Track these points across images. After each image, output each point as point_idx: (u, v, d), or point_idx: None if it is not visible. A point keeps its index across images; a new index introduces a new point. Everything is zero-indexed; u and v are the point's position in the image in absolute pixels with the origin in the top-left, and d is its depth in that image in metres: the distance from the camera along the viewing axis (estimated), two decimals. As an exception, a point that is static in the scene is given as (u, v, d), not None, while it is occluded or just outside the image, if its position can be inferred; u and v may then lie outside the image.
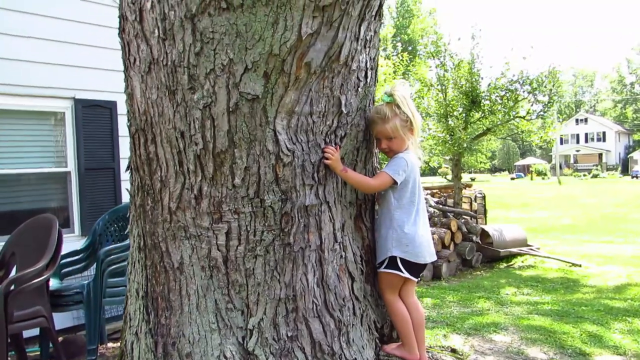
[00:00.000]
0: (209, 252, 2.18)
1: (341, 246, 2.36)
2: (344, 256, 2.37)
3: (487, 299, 5.99)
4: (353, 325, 2.35)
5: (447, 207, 9.44)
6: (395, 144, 2.45)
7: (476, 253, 8.77)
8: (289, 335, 2.18)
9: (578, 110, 75.75)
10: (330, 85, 2.18)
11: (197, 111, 2.06)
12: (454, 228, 8.52)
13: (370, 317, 2.48)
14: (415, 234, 2.43)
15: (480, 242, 8.96)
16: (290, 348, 2.17)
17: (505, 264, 8.96)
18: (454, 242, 8.52)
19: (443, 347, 3.81)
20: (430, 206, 9.23)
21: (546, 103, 10.10)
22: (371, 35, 2.31)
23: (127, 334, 2.50)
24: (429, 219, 8.67)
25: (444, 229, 8.42)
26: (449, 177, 10.96)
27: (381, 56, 14.28)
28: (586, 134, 64.46)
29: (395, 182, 2.38)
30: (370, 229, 2.56)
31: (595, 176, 46.35)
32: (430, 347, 3.79)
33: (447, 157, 11.27)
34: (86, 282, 4.08)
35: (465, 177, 47.50)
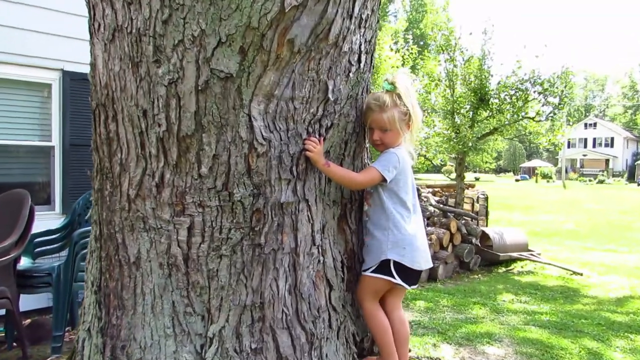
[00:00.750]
0: (169, 247, 1.93)
1: (320, 250, 2.10)
2: (322, 261, 2.11)
3: (482, 306, 5.75)
4: (327, 338, 2.10)
5: (447, 207, 9.16)
6: (389, 137, 2.20)
7: (475, 256, 8.51)
8: (252, 347, 1.94)
9: (587, 114, 74.94)
10: (317, 68, 1.92)
11: (162, 88, 1.80)
12: (453, 229, 8.25)
13: (348, 329, 2.24)
14: (414, 236, 2.19)
15: (479, 244, 8.69)
16: (254, 362, 1.93)
17: (504, 269, 8.70)
18: (452, 244, 8.26)
19: (431, 358, 3.58)
20: (431, 205, 8.96)
21: (557, 105, 9.76)
22: (367, 14, 2.04)
23: (80, 329, 2.26)
24: (428, 218, 8.43)
25: (443, 230, 8.15)
26: (452, 176, 10.66)
27: (391, 49, 13.98)
28: (594, 139, 63.77)
29: (384, 179, 2.13)
30: (355, 232, 2.30)
31: (601, 182, 45.88)
32: (418, 357, 3.56)
33: (452, 156, 10.97)
34: (57, 264, 3.85)
35: (470, 177, 47.16)
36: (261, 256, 1.95)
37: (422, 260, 2.22)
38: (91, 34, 2.03)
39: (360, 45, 2.06)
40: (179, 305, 1.95)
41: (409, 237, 2.17)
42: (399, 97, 2.18)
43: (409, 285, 2.23)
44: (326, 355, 2.09)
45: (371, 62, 2.24)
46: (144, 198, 1.94)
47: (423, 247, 2.23)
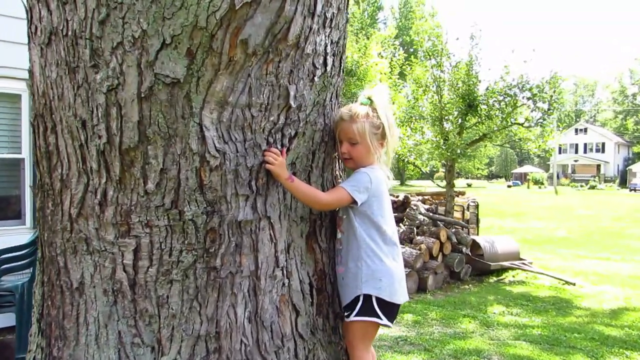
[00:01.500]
0: (113, 272, 1.73)
1: (284, 272, 1.91)
2: (287, 284, 1.92)
3: (472, 319, 5.57)
4: (293, 370, 1.91)
5: (437, 216, 9.00)
6: (358, 151, 2.02)
7: (465, 265, 8.34)
8: (207, 383, 1.74)
9: (578, 119, 75.33)
10: (276, 72, 1.74)
11: (101, 95, 1.62)
12: (443, 238, 8.08)
13: (318, 357, 2.04)
14: (391, 267, 2.00)
15: (470, 253, 8.53)
16: (209, 399, 1.73)
17: (495, 278, 8.53)
18: (442, 253, 8.09)
19: (416, 379, 3.39)
20: (420, 213, 8.79)
21: (546, 110, 9.64)
22: (333, 13, 1.87)
23: (27, 358, 2.06)
24: (417, 227, 8.25)
25: (432, 239, 7.98)
26: (443, 183, 10.50)
27: (381, 56, 13.86)
28: (585, 144, 64.06)
29: (354, 202, 1.95)
30: (326, 250, 2.11)
31: (592, 187, 45.99)
32: (401, 378, 3.37)
33: (442, 162, 10.82)
34: (21, 282, 3.64)
35: (462, 183, 47.16)
36: (217, 280, 1.76)
37: (401, 293, 2.03)
38: (29, 39, 1.85)
39: (326, 46, 1.89)
40: (126, 335, 1.75)
41: (385, 268, 1.98)
42: (374, 110, 2.03)
43: (390, 321, 2.02)
44: (292, 389, 1.89)
45: (340, 66, 2.06)
46: (87, 217, 1.75)
47: (401, 279, 2.05)
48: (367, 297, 1.97)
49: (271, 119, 1.78)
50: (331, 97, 2.04)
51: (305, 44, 1.77)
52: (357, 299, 1.99)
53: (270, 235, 1.86)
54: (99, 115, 1.63)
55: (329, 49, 1.90)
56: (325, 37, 1.87)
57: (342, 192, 1.95)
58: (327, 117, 2.02)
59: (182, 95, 1.62)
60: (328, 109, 2.03)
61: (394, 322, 2.12)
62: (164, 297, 1.73)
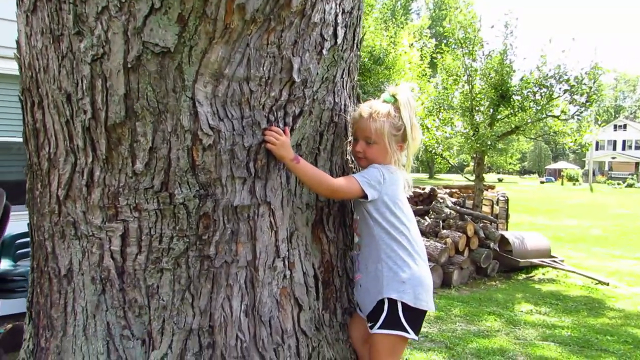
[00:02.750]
0: (101, 259, 1.61)
1: (286, 263, 1.76)
2: (288, 276, 1.77)
3: (498, 317, 5.32)
4: (294, 369, 1.76)
5: (464, 209, 8.70)
6: (373, 152, 1.84)
7: (493, 261, 8.03)
8: (199, 380, 1.61)
9: (617, 115, 72.71)
10: (278, 42, 1.57)
11: (86, 66, 1.48)
12: (470, 232, 7.79)
13: (324, 356, 1.88)
14: (414, 269, 1.80)
15: (498, 249, 8.20)
16: (200, 398, 1.60)
17: (524, 276, 8.19)
18: (468, 248, 7.80)
19: (434, 379, 3.20)
20: (447, 207, 8.52)
21: (584, 103, 9.18)
22: (344, -21, 1.69)
23: (22, 349, 1.97)
24: (444, 220, 8.00)
25: (459, 233, 7.70)
26: (472, 177, 10.19)
27: (412, 46, 13.52)
28: (624, 141, 61.79)
29: (365, 196, 1.76)
30: (334, 241, 1.95)
31: (630, 185, 44.29)
32: (419, 378, 3.19)
33: (471, 155, 10.48)
34: (34, 268, 3.59)
35: (493, 178, 46.15)
36: (210, 270, 1.62)
37: (426, 299, 1.80)
38: (17, 7, 1.73)
39: (337, 16, 1.71)
40: (115, 327, 1.63)
41: (409, 270, 1.78)
42: (397, 110, 1.84)
43: (416, 334, 1.81)
44: (292, 389, 1.74)
45: (354, 39, 1.88)
46: (75, 200, 1.63)
47: (427, 284, 1.83)
48: (392, 304, 1.76)
49: (272, 94, 1.62)
50: (342, 74, 1.86)
51: (312, 11, 1.60)
52: (381, 305, 1.78)
53: (271, 222, 1.70)
54: (84, 88, 1.50)
55: (339, 19, 1.72)
56: (336, 5, 1.69)
57: (352, 181, 1.76)
58: (337, 95, 1.85)
59: (173, 67, 1.48)
60: (339, 87, 1.86)
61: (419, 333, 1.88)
62: (154, 287, 1.60)
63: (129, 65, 1.45)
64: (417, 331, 1.81)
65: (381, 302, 1.78)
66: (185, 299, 1.61)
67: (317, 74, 1.71)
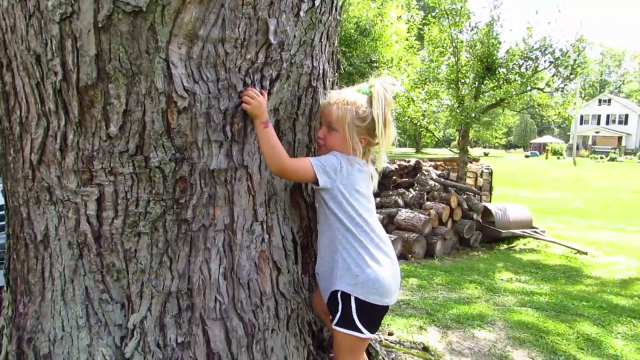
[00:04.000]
0: (77, 224, 1.60)
1: (264, 227, 1.77)
2: (267, 240, 1.78)
3: (478, 285, 5.43)
4: (273, 330, 1.79)
5: (448, 182, 8.79)
6: (332, 140, 1.77)
7: (475, 232, 8.17)
8: (178, 341, 1.63)
9: (602, 90, 73.18)
10: (254, 3, 1.55)
11: (55, 26, 1.45)
12: (453, 204, 7.90)
13: (303, 318, 1.92)
14: (370, 263, 1.69)
15: (481, 220, 8.34)
16: (179, 358, 1.62)
17: (506, 246, 8.36)
18: (452, 219, 7.92)
19: (414, 343, 3.27)
20: (431, 179, 8.59)
21: (568, 76, 9.21)
22: (321, -62, 1.66)
23: (1, 316, 1.97)
24: (428, 192, 8.07)
25: (442, 204, 7.80)
26: (456, 150, 10.23)
27: (400, 19, 13.38)
28: (607, 116, 62.31)
29: (315, 181, 1.69)
30: (313, 206, 1.96)
31: (612, 159, 44.94)
32: (399, 342, 3.26)
33: (456, 128, 10.52)
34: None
35: (479, 152, 46.42)
36: (188, 234, 1.62)
37: (382, 293, 1.69)
38: (-15, -36, 1.67)
39: (314, -22, 1.68)
40: (94, 291, 1.64)
41: (363, 263, 1.68)
42: (369, 102, 1.74)
43: (372, 333, 1.72)
44: (272, 349, 1.78)
45: (332, 2, 1.85)
46: (49, 164, 1.61)
47: (383, 277, 1.69)
48: (346, 298, 1.68)
49: (248, 57, 1.60)
50: (321, 38, 1.84)
51: (287, -29, 1.57)
52: (334, 298, 1.72)
53: (248, 186, 1.70)
54: (54, 48, 1.46)
55: (316, -19, 1.70)
56: (312, -34, 1.66)
57: (306, 164, 1.68)
58: (315, 60, 1.83)
59: (145, 27, 1.44)
60: (317, 51, 1.84)
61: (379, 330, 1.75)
62: (132, 251, 1.60)
63: (100, 25, 1.42)
64: (374, 328, 1.74)
65: (335, 293, 1.72)
66: (164, 262, 1.61)
67: (295, 36, 1.69)
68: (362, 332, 1.68)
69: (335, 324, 1.71)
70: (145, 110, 1.51)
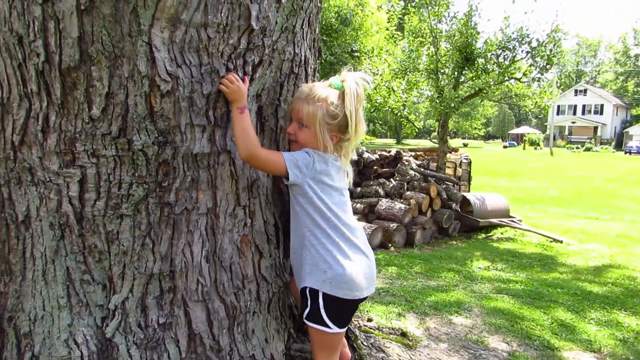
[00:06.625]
0: (59, 205, 1.61)
1: (246, 211, 1.80)
2: (249, 224, 1.81)
3: (456, 273, 5.55)
4: (255, 312, 1.82)
5: (428, 171, 8.90)
6: (303, 136, 1.75)
7: (454, 221, 8.32)
8: (160, 321, 1.66)
9: (579, 80, 74.38)
10: (236, -12, 1.56)
11: (37, 7, 1.44)
12: (433, 193, 8.01)
13: (284, 301, 1.96)
14: (340, 259, 1.69)
15: (459, 210, 8.49)
16: (161, 339, 1.65)
17: (483, 235, 8.53)
18: (431, 209, 8.04)
19: (393, 329, 3.34)
20: (411, 169, 8.69)
21: (544, 66, 9.37)
22: None
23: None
24: (408, 182, 8.16)
25: (422, 194, 7.91)
26: (436, 140, 10.35)
27: (380, 8, 13.40)
28: (584, 106, 63.41)
29: (286, 175, 1.68)
30: (294, 191, 1.99)
31: (588, 149, 45.92)
32: (378, 328, 3.33)
33: (436, 119, 10.62)
34: None
35: (458, 143, 46.94)
36: (171, 217, 1.64)
37: (352, 287, 1.68)
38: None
39: (296, -36, 1.70)
40: (75, 272, 1.65)
41: (332, 260, 1.68)
42: (341, 98, 1.72)
43: (340, 328, 1.72)
44: (252, 331, 1.81)
45: (314, -10, 1.88)
46: (30, 145, 1.61)
47: (351, 272, 1.69)
48: (313, 294, 1.69)
49: (230, 42, 1.62)
50: (302, 24, 1.87)
51: (270, -43, 1.59)
52: (304, 293, 1.74)
53: (231, 171, 1.73)
54: (36, 30, 1.46)
55: (298, -33, 1.72)
56: (295, -48, 1.68)
57: (279, 157, 1.67)
58: (297, 46, 1.86)
59: (128, 10, 1.45)
60: (299, 37, 1.86)
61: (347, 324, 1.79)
62: (114, 232, 1.62)
63: (82, 7, 1.42)
64: (344, 322, 1.74)
65: (304, 290, 1.73)
66: (146, 244, 1.63)
67: (276, 22, 1.71)
68: (330, 327, 1.69)
69: (305, 318, 1.73)
70: (128, 93, 1.52)
